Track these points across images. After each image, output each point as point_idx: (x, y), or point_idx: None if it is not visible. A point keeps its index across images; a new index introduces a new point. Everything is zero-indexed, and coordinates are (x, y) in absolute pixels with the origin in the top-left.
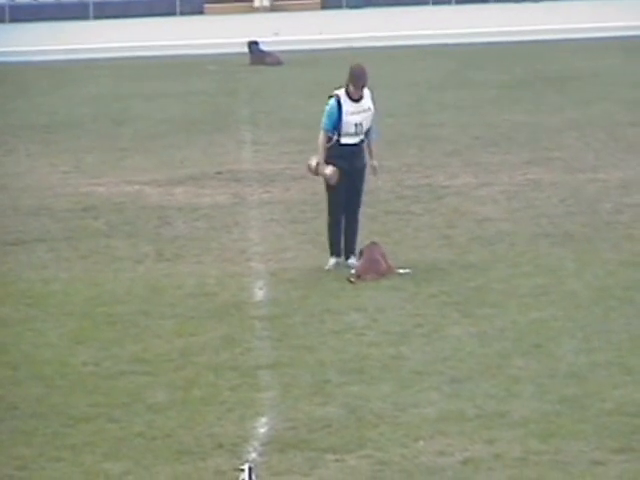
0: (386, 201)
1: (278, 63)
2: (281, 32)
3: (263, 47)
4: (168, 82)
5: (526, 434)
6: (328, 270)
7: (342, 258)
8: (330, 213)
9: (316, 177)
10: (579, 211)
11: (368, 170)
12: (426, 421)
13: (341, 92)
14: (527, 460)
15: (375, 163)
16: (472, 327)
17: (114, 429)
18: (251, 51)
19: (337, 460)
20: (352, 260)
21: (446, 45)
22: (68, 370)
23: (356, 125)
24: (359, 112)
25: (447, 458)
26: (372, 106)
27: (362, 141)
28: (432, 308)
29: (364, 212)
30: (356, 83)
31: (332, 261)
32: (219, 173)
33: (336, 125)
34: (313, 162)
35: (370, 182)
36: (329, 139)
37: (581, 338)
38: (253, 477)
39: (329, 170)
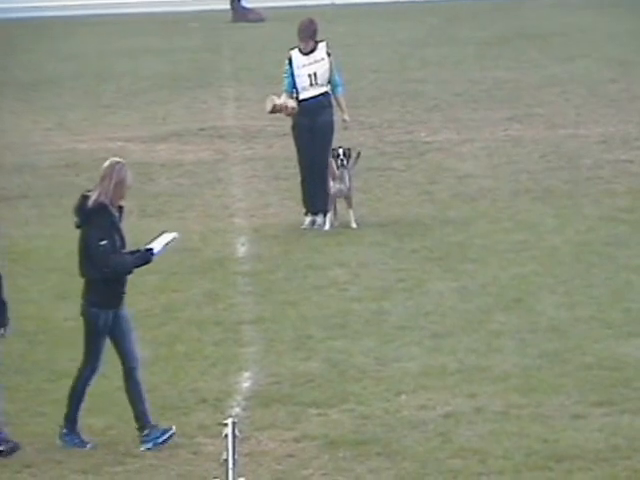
0: (368, 157)
1: (260, 20)
2: None
3: (245, 4)
4: (151, 39)
5: (507, 388)
6: (304, 229)
7: (318, 216)
8: (300, 170)
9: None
10: (560, 167)
11: (337, 126)
12: (408, 375)
13: (293, 51)
14: (508, 414)
15: (346, 117)
16: (453, 282)
17: (96, 384)
18: (233, 8)
19: (320, 414)
20: (319, 218)
21: (428, 2)
22: (51, 326)
23: (309, 76)
24: (311, 63)
25: (429, 412)
26: (327, 57)
27: (323, 95)
28: (414, 263)
29: None
30: (300, 35)
31: (307, 220)
32: (202, 130)
33: (294, 83)
34: (275, 101)
35: (352, 138)
36: (291, 98)
37: (562, 293)
38: (236, 432)
39: (290, 104)
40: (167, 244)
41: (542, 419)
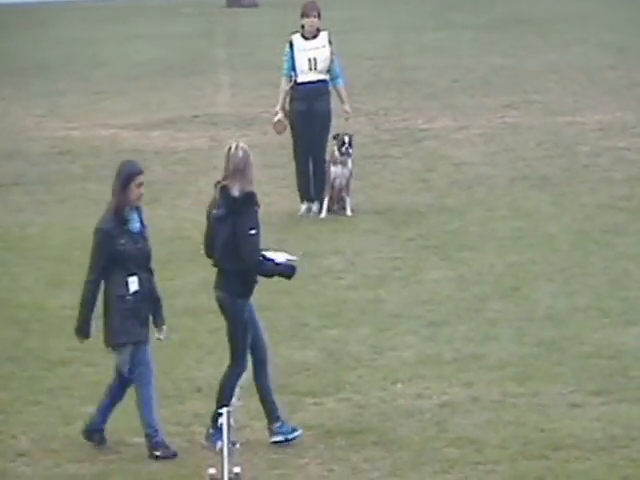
0: (364, 145)
1: (254, 5)
2: None
3: None
4: (144, 24)
5: (504, 377)
6: (301, 216)
7: (314, 203)
8: (294, 158)
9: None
10: (557, 154)
11: (335, 115)
12: (404, 364)
13: (294, 35)
14: (505, 403)
15: (347, 108)
16: (450, 270)
17: (91, 373)
18: None
19: (316, 403)
20: (314, 206)
21: None
22: (45, 314)
23: (309, 60)
24: (312, 49)
25: (425, 401)
26: (328, 45)
27: (322, 82)
28: (410, 251)
29: None
30: (306, 10)
31: (302, 207)
32: (196, 116)
33: (293, 66)
34: (276, 108)
35: (348, 126)
36: (290, 82)
37: (559, 281)
38: (232, 421)
39: (276, 118)
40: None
41: (539, 408)
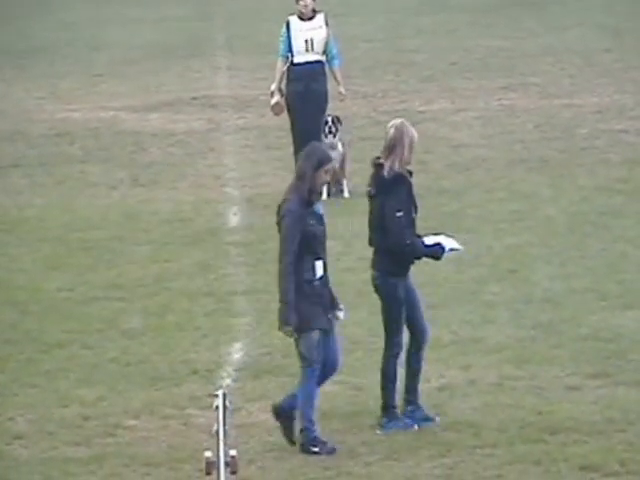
0: (362, 127)
1: None
2: None
3: None
4: (143, 7)
5: (501, 360)
6: None
7: None
8: (293, 140)
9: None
10: (554, 137)
11: (331, 96)
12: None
13: (292, 17)
14: (502, 386)
15: (342, 89)
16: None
17: (88, 355)
18: None
19: None
20: None
21: None
22: (42, 296)
23: (306, 41)
24: (308, 29)
25: (423, 384)
26: (325, 26)
27: (318, 63)
28: None
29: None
30: None
31: None
32: (194, 99)
33: (290, 47)
34: (271, 88)
35: (346, 108)
36: (287, 63)
37: (556, 264)
38: (227, 403)
39: (273, 101)
40: (451, 250)
41: (536, 391)
